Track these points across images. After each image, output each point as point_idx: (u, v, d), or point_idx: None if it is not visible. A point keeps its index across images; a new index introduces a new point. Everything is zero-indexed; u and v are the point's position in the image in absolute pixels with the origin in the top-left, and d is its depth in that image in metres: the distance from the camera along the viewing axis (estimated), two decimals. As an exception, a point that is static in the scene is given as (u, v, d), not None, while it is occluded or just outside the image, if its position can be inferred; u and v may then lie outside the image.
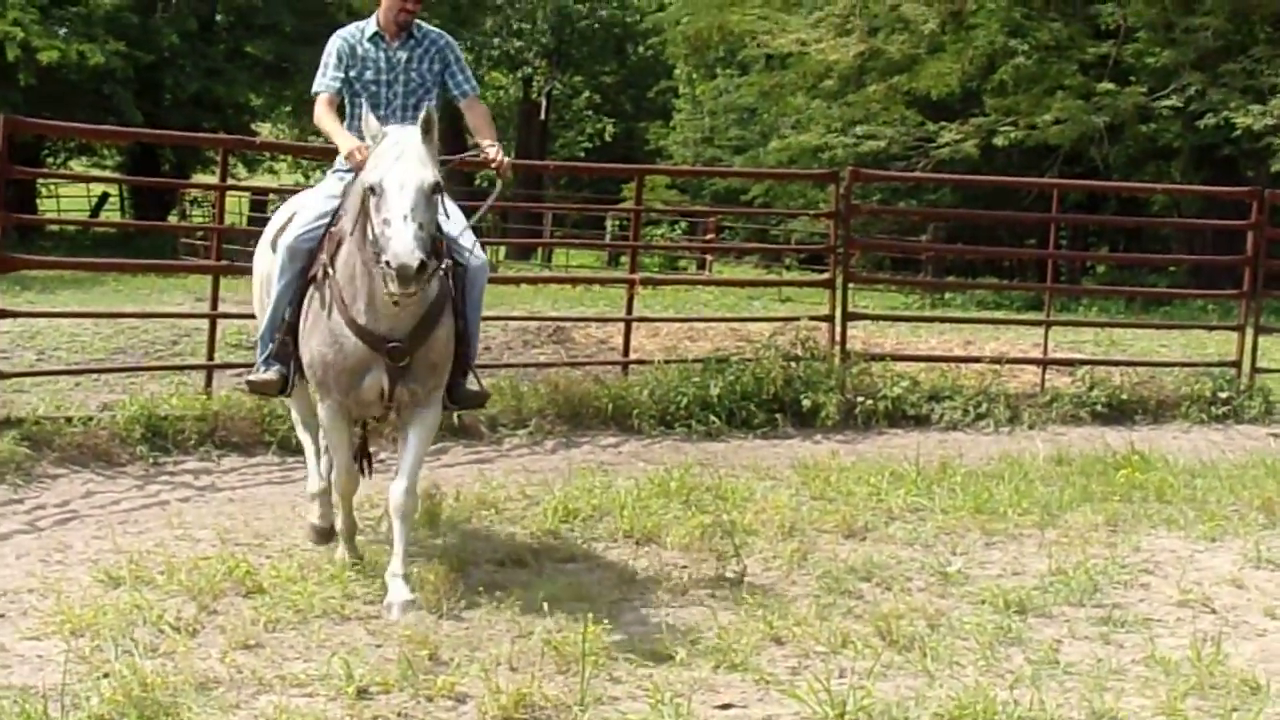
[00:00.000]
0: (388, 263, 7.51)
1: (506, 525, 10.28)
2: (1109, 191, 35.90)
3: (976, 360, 17.41)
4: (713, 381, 14.89)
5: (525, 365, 15.69)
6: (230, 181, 20.76)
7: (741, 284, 30.66)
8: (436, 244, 7.91)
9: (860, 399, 15.37)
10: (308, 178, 47.44)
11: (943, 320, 23.71)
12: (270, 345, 8.68)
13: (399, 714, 6.67)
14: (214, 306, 13.90)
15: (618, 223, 39.25)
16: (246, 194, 36.22)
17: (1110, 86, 33.18)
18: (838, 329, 16.43)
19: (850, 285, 17.25)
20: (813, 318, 16.84)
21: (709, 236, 38.55)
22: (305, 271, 8.57)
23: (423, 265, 7.47)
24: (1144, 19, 34.22)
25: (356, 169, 8.25)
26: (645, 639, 7.75)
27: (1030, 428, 15.49)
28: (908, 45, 34.26)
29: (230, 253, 17.02)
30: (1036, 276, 27.95)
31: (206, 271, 14.68)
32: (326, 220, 8.59)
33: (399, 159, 7.75)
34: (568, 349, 17.01)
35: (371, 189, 7.74)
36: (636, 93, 53.49)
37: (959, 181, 32.28)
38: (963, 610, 8.55)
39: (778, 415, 14.93)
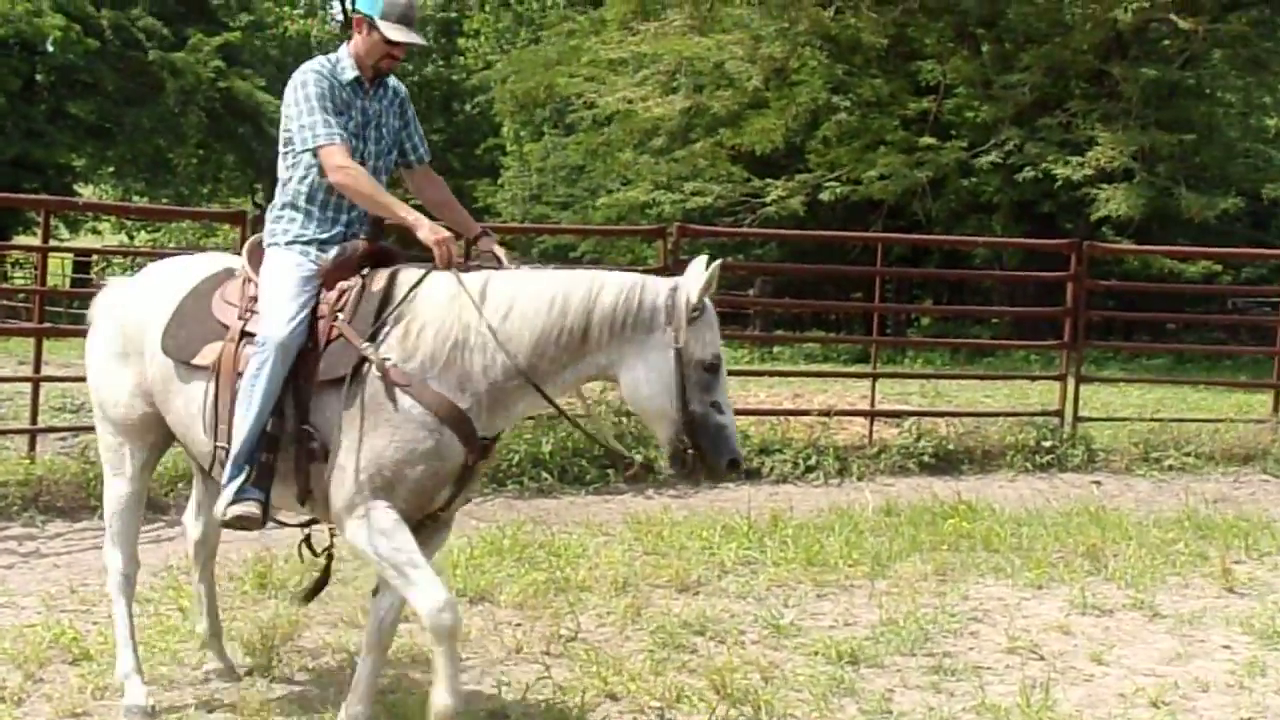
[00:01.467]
0: (704, 451, 6.89)
1: (338, 586, 10.18)
2: (932, 245, 36.42)
3: (805, 413, 17.52)
4: (545, 438, 14.87)
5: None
6: (53, 243, 20.47)
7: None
8: None
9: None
10: (131, 238, 47.11)
11: (771, 374, 23.79)
12: (248, 469, 7.00)
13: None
14: (37, 370, 13.64)
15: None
16: (69, 255, 35.98)
17: (932, 141, 33.69)
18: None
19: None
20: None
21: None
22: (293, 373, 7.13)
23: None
24: (963, 75, 34.86)
25: (443, 260, 7.06)
26: (480, 698, 7.73)
27: (859, 479, 15.59)
28: (732, 101, 34.51)
29: (53, 315, 16.87)
30: (863, 329, 28.29)
31: (29, 334, 14.43)
32: (308, 309, 7.11)
33: (714, 327, 6.87)
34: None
35: (705, 365, 6.74)
36: (464, 150, 53.46)
37: (785, 236, 32.70)
38: (796, 662, 8.60)
39: (609, 471, 14.94)
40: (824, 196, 33.73)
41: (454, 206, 7.94)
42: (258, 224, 17.06)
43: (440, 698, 6.58)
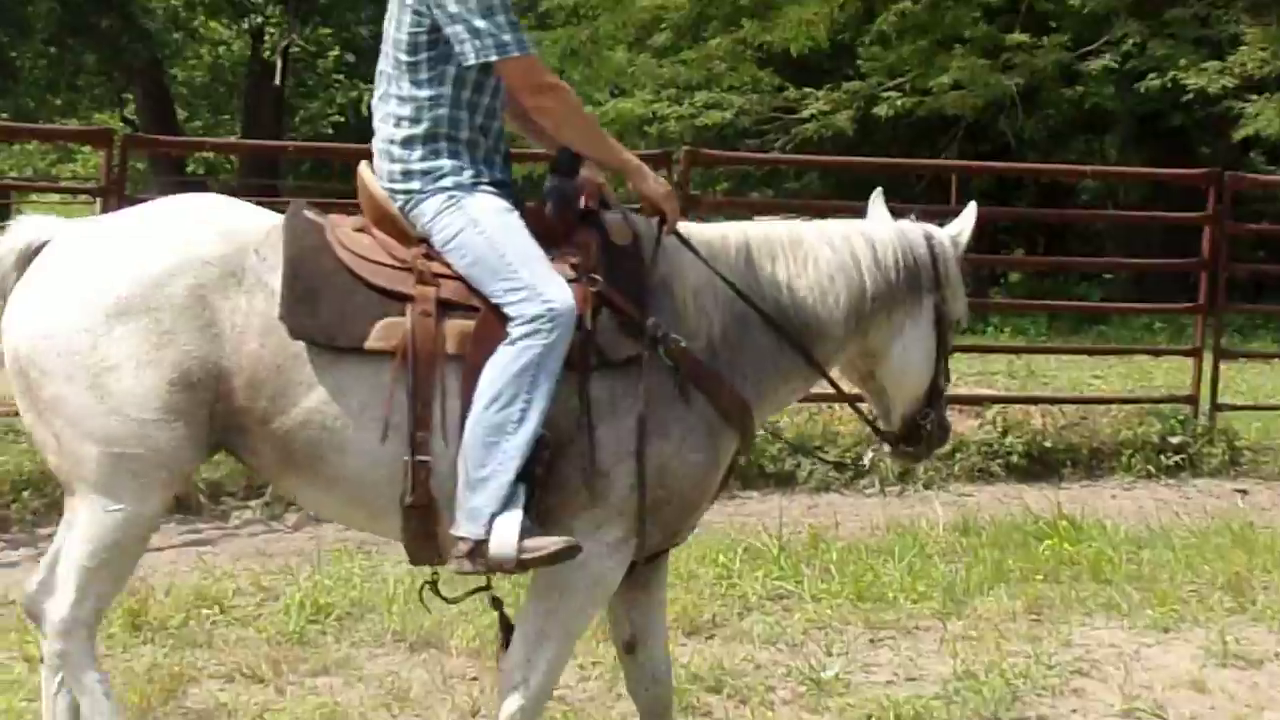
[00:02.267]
0: (942, 423, 7.30)
1: (236, 628, 10.22)
2: (1025, 175, 36.19)
3: (858, 399, 17.50)
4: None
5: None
6: None
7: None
8: None
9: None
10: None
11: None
12: (524, 487, 6.71)
13: None
14: None
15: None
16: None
17: (1024, 39, 33.61)
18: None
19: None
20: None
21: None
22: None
23: None
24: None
25: (672, 221, 7.12)
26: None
27: (927, 486, 15.65)
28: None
29: None
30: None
31: None
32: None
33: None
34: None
35: (956, 321, 7.16)
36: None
37: (830, 164, 32.58)
38: None
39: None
40: (880, 111, 33.69)
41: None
42: (130, 147, 17.20)
43: None
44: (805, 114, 34.03)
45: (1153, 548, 12.76)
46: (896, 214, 7.41)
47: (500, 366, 6.50)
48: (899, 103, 33.52)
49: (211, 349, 6.64)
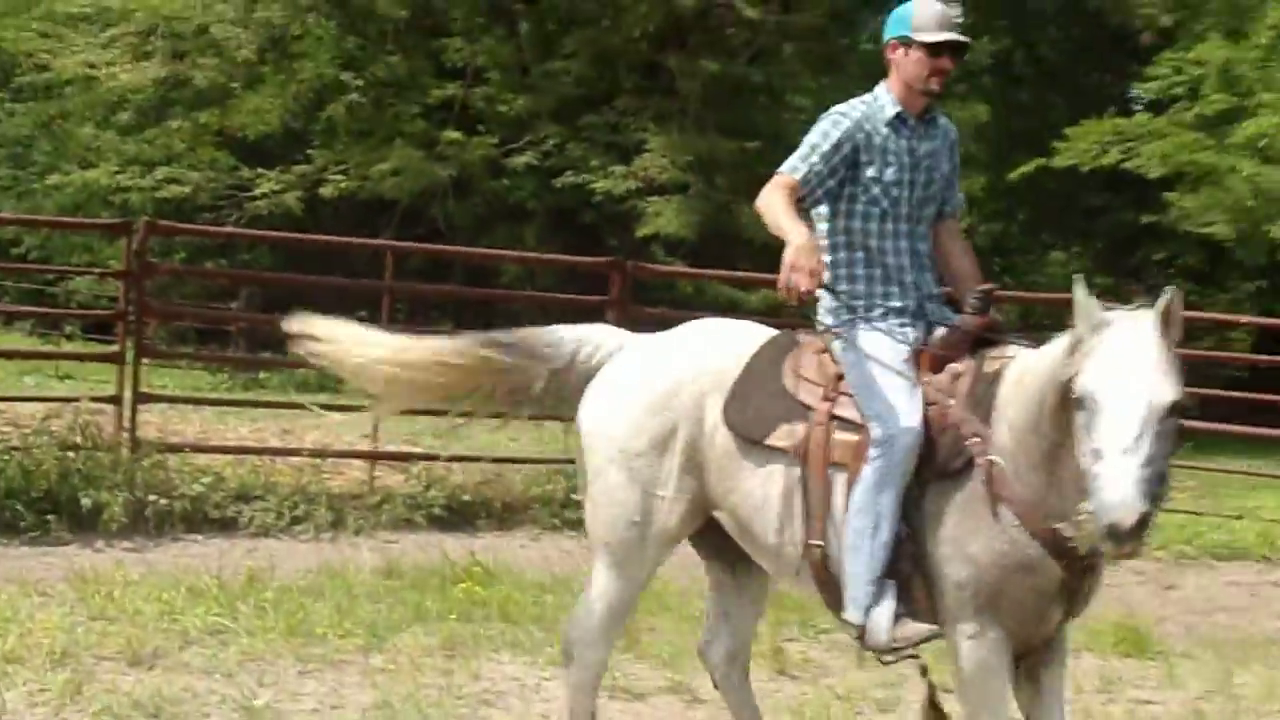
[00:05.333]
0: (1091, 512, 6.28)
1: None
2: (454, 257, 36.34)
3: (295, 453, 17.52)
4: (-32, 480, 14.60)
5: None
6: None
7: (9, 355, 30.10)
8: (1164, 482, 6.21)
9: (153, 498, 15.26)
10: None
11: (256, 405, 23.64)
12: (886, 587, 6.94)
13: None
14: None
15: None
16: None
17: (457, 135, 33.93)
18: (127, 413, 16.30)
19: (144, 360, 17.12)
20: (96, 399, 16.71)
21: (-28, 297, 37.88)
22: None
23: (1143, 520, 5.92)
24: (496, 59, 35.20)
25: (805, 279, 6.96)
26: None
27: (356, 533, 15.61)
28: (220, 74, 34.27)
29: None
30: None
31: None
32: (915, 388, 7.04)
33: (1129, 366, 6.20)
34: None
35: (1081, 400, 6.29)
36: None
37: (278, 239, 32.42)
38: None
39: (50, 517, 14.65)
40: (326, 192, 33.71)
41: (967, 270, 7.60)
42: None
43: None
44: (258, 192, 33.91)
45: (555, 592, 12.84)
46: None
47: (861, 481, 6.83)
48: (343, 185, 33.60)
49: (701, 442, 7.35)
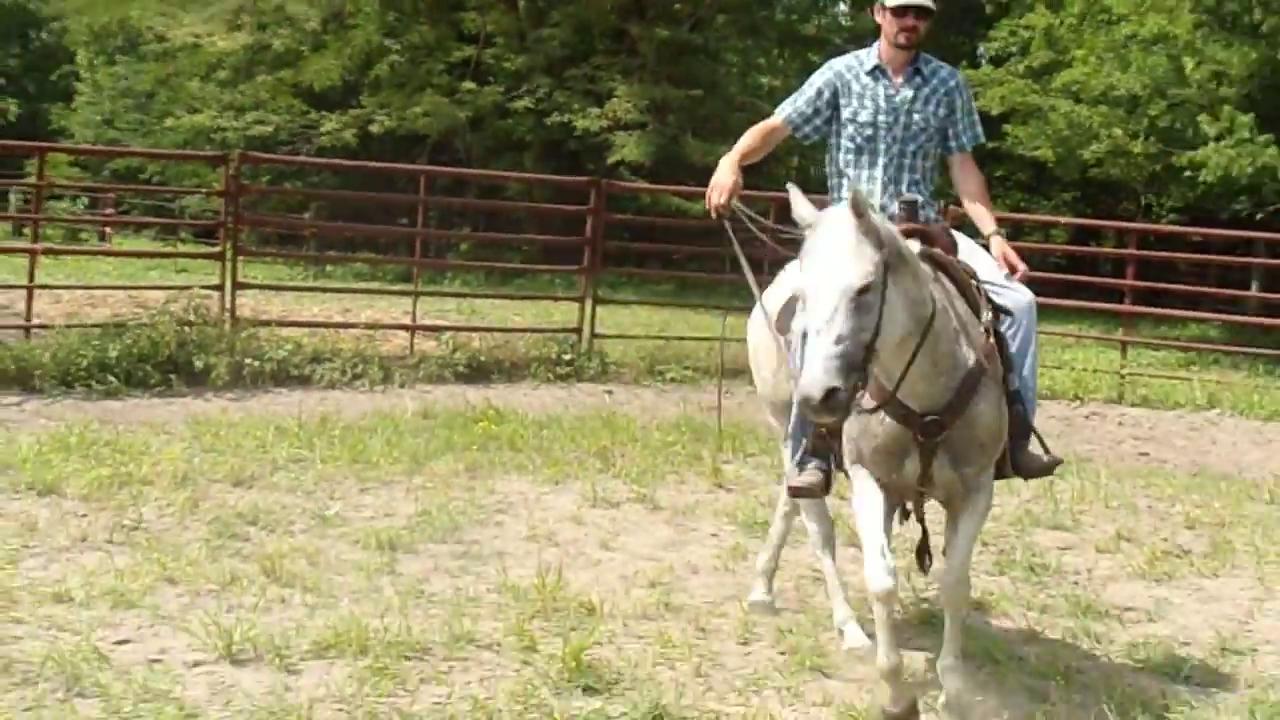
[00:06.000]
0: None
1: None
2: (471, 178, 36.20)
3: (353, 326, 17.49)
4: (111, 345, 14.48)
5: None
6: None
7: (139, 255, 29.96)
8: (867, 354, 5.49)
9: (248, 360, 15.21)
10: None
11: (324, 290, 23.51)
12: (803, 440, 6.65)
13: None
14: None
15: (22, 196, 37.51)
16: None
17: (472, 86, 33.70)
18: (228, 297, 16.23)
19: (240, 258, 17.00)
20: (205, 287, 16.63)
21: (109, 211, 37.41)
22: None
23: (829, 394, 5.29)
24: (501, 28, 34.92)
25: (718, 194, 6.85)
26: (46, 582, 7.51)
27: (401, 386, 15.57)
28: (293, 41, 33.98)
29: None
30: (407, 253, 28.00)
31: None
32: None
33: (821, 256, 5.57)
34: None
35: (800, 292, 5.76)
36: (39, 75, 51.41)
37: (339, 166, 32.21)
38: (340, 549, 8.58)
39: (172, 376, 14.61)
40: (374, 129, 33.48)
41: (978, 201, 7.08)
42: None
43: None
44: (322, 130, 33.65)
45: (550, 428, 12.87)
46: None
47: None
48: (387, 124, 33.32)
49: None
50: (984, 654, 7.21)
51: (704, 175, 6.92)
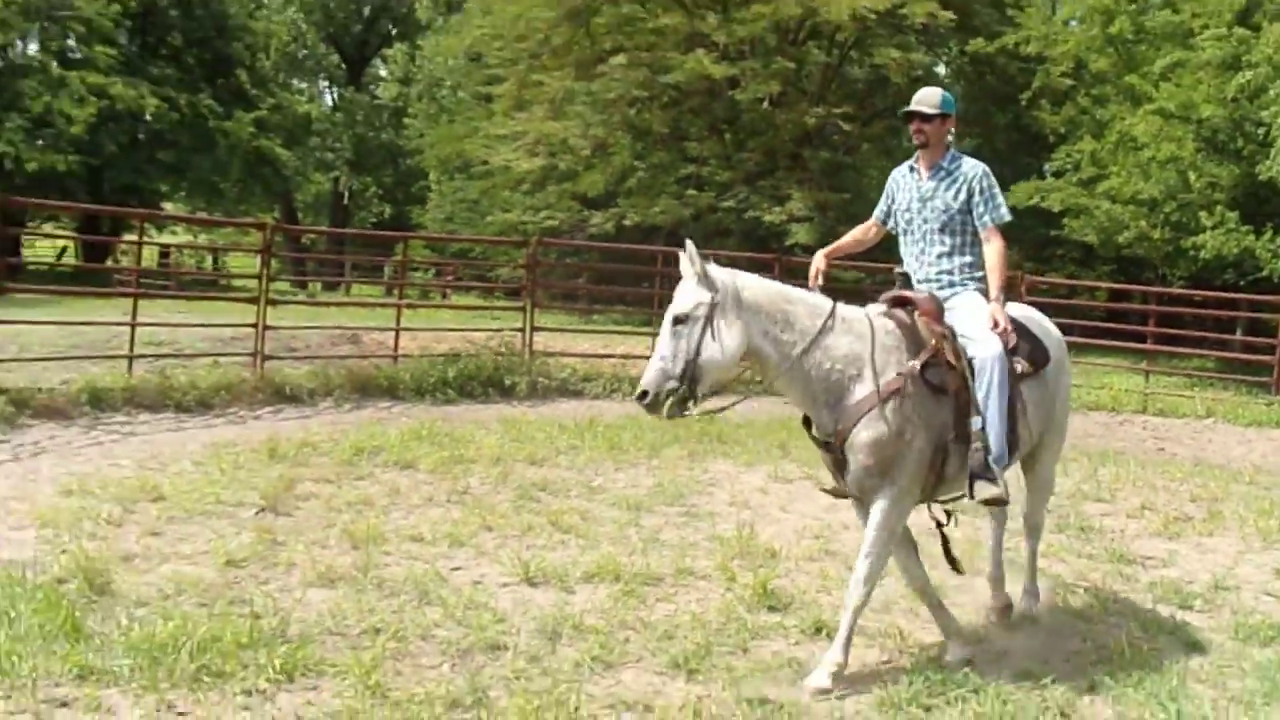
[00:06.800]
0: None
1: (319, 456, 10.06)
2: (670, 255, 36.04)
3: (611, 356, 17.60)
4: (450, 368, 14.76)
5: (331, 357, 15.30)
6: (146, 239, 19.89)
7: (469, 308, 30.43)
8: (686, 369, 5.26)
9: (541, 379, 15.40)
10: (193, 236, 45.75)
11: (592, 332, 23.59)
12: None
13: (252, 577, 6.52)
14: (134, 318, 13.29)
15: (393, 268, 38.47)
16: (156, 247, 35.57)
17: (694, 192, 33.63)
18: (528, 336, 16.46)
19: (536, 309, 17.25)
20: (512, 329, 16.89)
21: (449, 278, 38.32)
22: None
23: (641, 396, 5.25)
24: (713, 152, 34.84)
25: (812, 275, 6.22)
26: (405, 528, 7.70)
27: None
28: (572, 163, 34.35)
29: (145, 285, 16.53)
30: (649, 306, 28.17)
31: (130, 295, 13.99)
32: None
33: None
34: (360, 347, 16.65)
35: None
36: (404, 188, 52.70)
37: (603, 247, 32.48)
38: (602, 509, 8.64)
39: (490, 389, 14.86)
40: (626, 222, 33.65)
41: (992, 271, 5.94)
42: (275, 231, 16.80)
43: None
44: (592, 222, 33.95)
45: (745, 428, 12.49)
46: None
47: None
48: (634, 218, 33.41)
49: None
50: (1049, 587, 7.04)
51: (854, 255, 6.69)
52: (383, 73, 56.39)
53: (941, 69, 36.84)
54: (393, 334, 16.16)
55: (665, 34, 32.67)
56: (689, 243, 5.51)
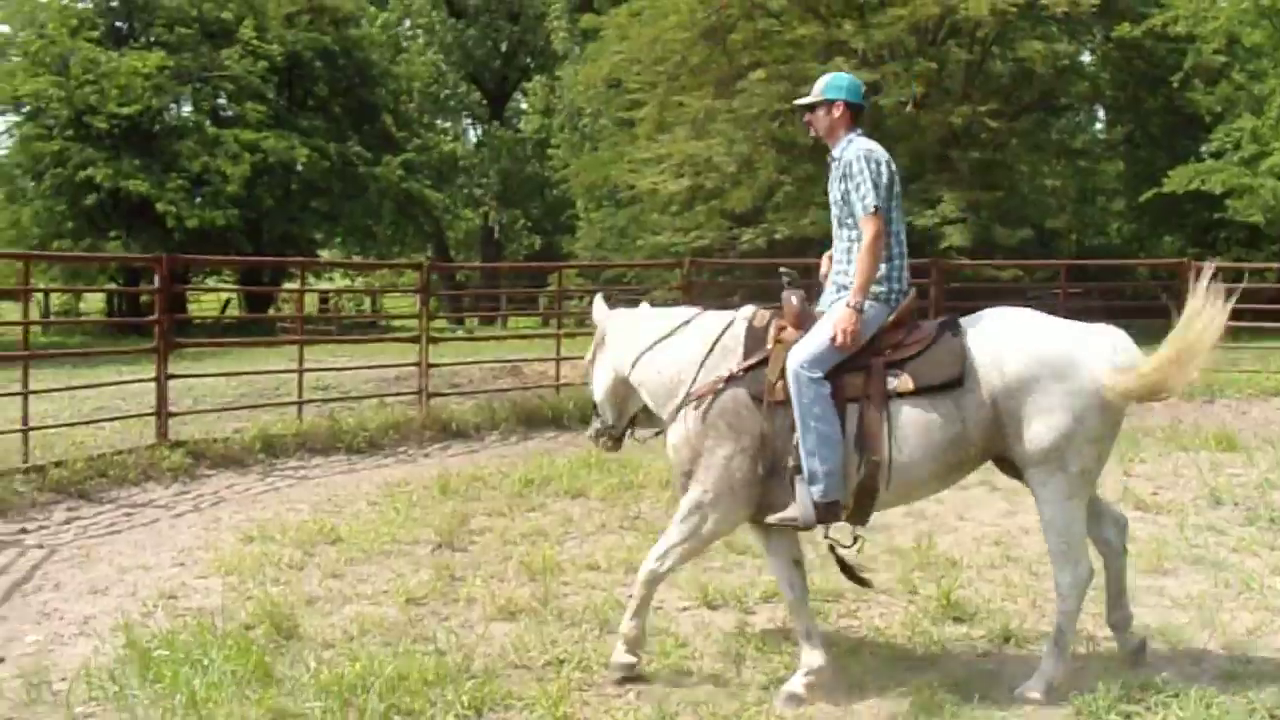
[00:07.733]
0: None
1: (489, 489, 10.21)
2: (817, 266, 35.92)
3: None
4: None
5: (494, 391, 15.52)
6: (306, 287, 20.48)
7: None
8: (600, 407, 6.36)
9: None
10: (352, 281, 47.09)
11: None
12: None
13: (434, 613, 6.63)
14: (300, 364, 13.70)
15: (548, 298, 39.00)
16: (316, 294, 36.64)
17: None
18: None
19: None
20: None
21: (603, 305, 38.86)
22: None
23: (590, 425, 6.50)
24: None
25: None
26: (581, 556, 7.74)
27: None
28: (719, 181, 34.36)
29: (309, 331, 16.99)
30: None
31: (295, 343, 14.42)
32: None
33: None
34: (522, 379, 16.84)
35: None
36: (553, 217, 53.41)
37: (754, 264, 32.42)
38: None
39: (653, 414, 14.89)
40: (777, 237, 33.52)
41: (857, 267, 5.42)
42: (431, 269, 17.19)
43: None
44: (743, 239, 33.88)
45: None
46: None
47: None
48: (785, 233, 33.16)
49: None
50: (1213, 564, 6.74)
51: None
52: (524, 106, 57.25)
53: (1087, 57, 35.86)
54: (553, 364, 16.23)
55: (803, 45, 32.50)
56: (598, 295, 6.42)
